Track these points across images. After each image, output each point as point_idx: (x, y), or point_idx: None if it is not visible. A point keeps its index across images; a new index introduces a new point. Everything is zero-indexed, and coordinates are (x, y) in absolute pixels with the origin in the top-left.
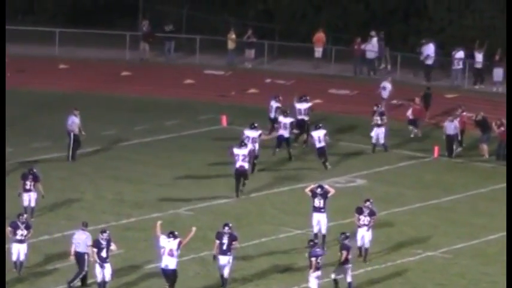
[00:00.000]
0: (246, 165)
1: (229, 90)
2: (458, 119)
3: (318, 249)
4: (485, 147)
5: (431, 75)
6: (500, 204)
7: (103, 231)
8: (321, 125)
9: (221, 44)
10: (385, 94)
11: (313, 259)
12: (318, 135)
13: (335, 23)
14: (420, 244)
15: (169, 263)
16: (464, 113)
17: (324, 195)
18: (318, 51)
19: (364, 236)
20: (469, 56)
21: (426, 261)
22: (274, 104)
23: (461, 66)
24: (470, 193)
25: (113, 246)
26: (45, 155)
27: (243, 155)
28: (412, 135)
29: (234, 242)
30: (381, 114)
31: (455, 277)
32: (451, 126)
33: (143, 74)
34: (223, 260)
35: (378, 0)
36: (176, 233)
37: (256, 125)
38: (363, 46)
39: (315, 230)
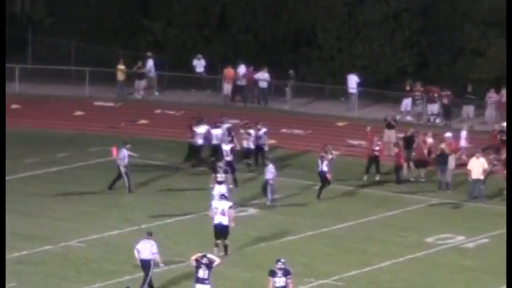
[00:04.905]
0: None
1: (120, 121)
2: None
3: None
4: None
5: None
6: (392, 231)
7: None
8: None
9: (111, 75)
10: (462, 142)
11: None
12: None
13: (225, 54)
14: (313, 272)
15: (222, 220)
16: (379, 142)
17: (209, 265)
18: (227, 88)
19: None
20: (360, 84)
21: None
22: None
23: (355, 91)
24: (363, 220)
25: None
26: None
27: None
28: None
29: None
30: (225, 172)
31: None
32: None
33: (33, 107)
34: None
35: (267, 31)
36: (226, 195)
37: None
38: (256, 76)
39: None
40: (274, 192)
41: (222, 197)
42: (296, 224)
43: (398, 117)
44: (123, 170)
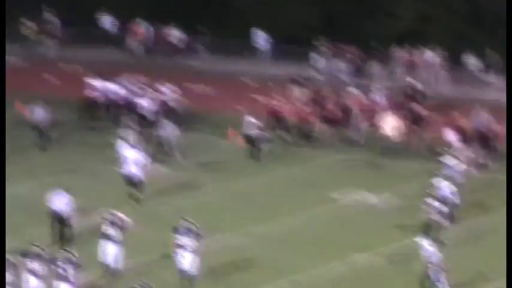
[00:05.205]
0: None
1: (27, 79)
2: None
3: None
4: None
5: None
6: (299, 186)
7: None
8: None
9: (18, 32)
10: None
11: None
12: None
13: (134, 10)
14: (216, 227)
15: (132, 169)
16: (283, 99)
17: (119, 224)
18: (134, 44)
19: (188, 262)
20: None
21: (227, 245)
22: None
23: (263, 48)
24: (269, 176)
25: None
26: None
27: None
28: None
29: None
30: (130, 127)
31: (255, 260)
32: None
33: None
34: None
35: None
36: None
37: None
38: (166, 32)
39: (108, 260)
40: (175, 149)
41: (132, 147)
42: (201, 179)
43: (306, 74)
44: (37, 126)
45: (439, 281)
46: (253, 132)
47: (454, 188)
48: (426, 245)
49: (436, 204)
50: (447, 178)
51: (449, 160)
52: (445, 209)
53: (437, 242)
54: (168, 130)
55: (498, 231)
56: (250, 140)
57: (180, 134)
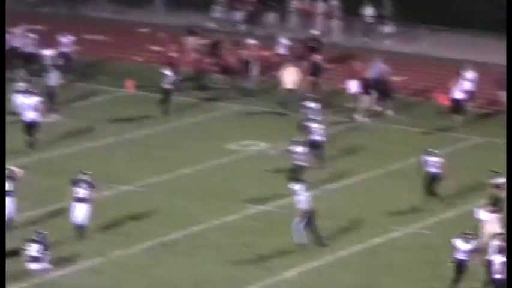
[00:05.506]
0: None
1: None
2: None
3: None
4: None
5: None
6: (195, 137)
7: None
8: None
9: None
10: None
11: None
12: None
13: None
14: (116, 179)
15: (31, 115)
16: (176, 49)
17: (12, 177)
18: None
19: (83, 213)
20: None
21: (123, 196)
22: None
23: None
24: (165, 126)
25: None
26: None
27: None
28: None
29: None
30: (26, 81)
31: (151, 211)
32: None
33: None
34: None
35: None
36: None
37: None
38: None
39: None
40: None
41: (28, 92)
42: (97, 129)
43: (204, 24)
44: None
45: (304, 228)
46: (168, 85)
47: (322, 130)
48: (298, 191)
49: (300, 148)
50: (315, 122)
51: (310, 104)
52: (314, 152)
53: (307, 186)
54: (53, 79)
55: (381, 179)
56: (165, 93)
57: (64, 83)
